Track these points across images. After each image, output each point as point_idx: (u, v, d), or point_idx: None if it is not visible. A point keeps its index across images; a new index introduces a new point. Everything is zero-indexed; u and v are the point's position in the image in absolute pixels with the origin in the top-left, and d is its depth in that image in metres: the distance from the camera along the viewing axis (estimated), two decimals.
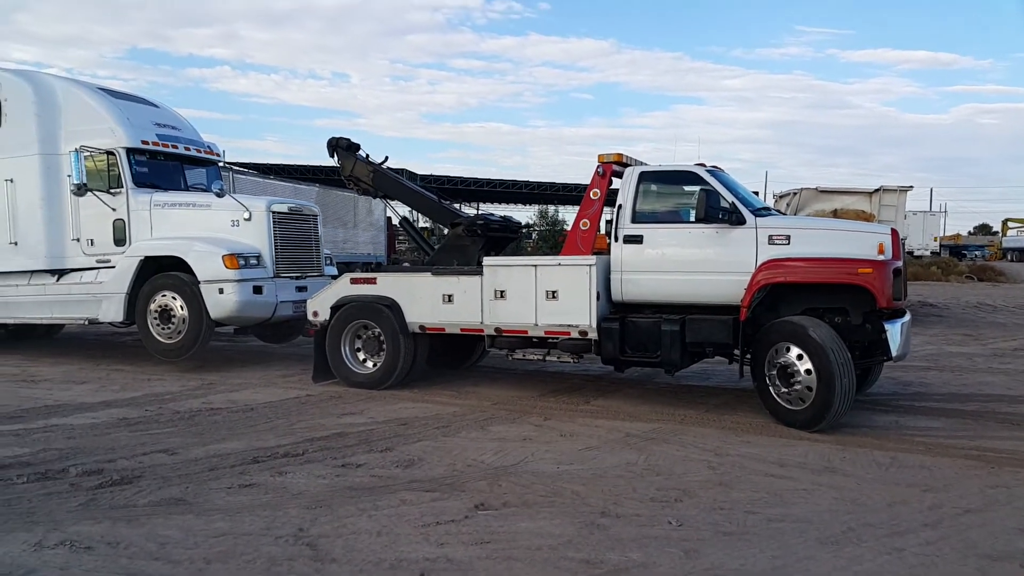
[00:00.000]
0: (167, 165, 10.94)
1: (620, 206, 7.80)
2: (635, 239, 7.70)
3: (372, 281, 8.82)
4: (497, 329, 8.16)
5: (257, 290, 9.70)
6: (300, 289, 10.39)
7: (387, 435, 6.81)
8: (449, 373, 9.86)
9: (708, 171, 7.66)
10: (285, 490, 5.28)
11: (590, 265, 7.66)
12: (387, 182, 9.81)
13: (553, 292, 7.81)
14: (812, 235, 7.23)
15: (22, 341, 13.07)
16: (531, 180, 59.53)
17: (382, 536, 4.45)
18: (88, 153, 9.97)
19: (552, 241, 63.16)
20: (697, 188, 7.42)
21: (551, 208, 68.65)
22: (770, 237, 7.21)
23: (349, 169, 9.83)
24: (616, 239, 7.78)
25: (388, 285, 8.73)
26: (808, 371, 6.76)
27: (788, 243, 7.14)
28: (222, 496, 5.13)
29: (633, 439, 6.76)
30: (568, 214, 74.79)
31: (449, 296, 8.35)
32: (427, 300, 8.48)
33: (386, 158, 9.88)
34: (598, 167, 8.01)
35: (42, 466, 5.75)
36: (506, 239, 9.48)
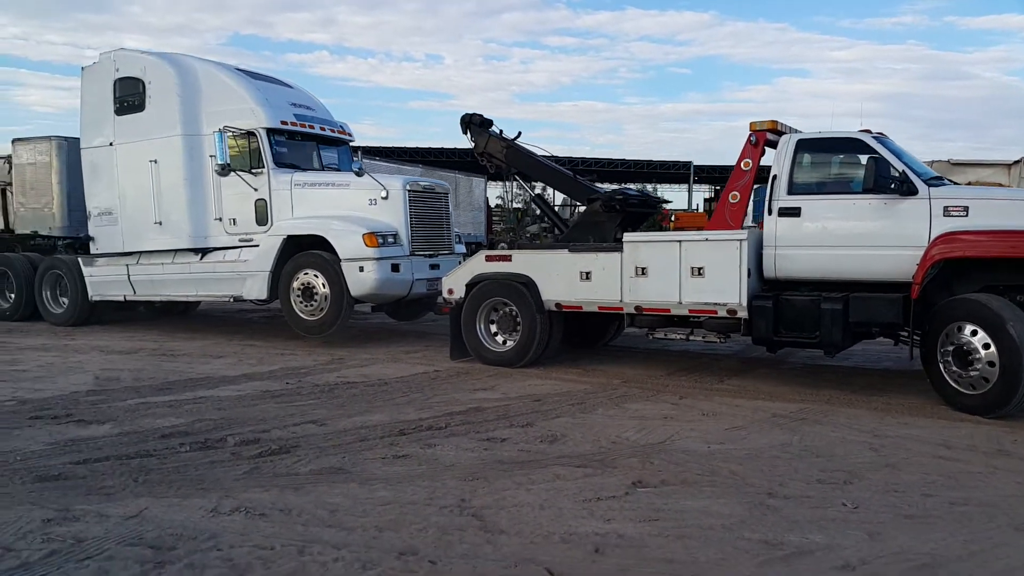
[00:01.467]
0: (303, 145, 11.19)
1: (775, 176, 7.44)
2: (791, 212, 7.32)
3: (507, 259, 8.78)
4: (637, 307, 7.96)
5: (395, 268, 9.84)
6: (433, 267, 10.49)
7: (524, 411, 6.75)
8: (574, 352, 9.74)
9: (875, 137, 7.19)
10: (437, 462, 5.28)
11: (740, 240, 7.35)
12: (521, 158, 9.71)
13: (699, 269, 7.54)
14: (993, 206, 6.69)
15: (159, 319, 13.78)
16: (627, 158, 58.52)
17: (546, 510, 4.37)
18: (231, 133, 10.28)
19: (651, 220, 62.36)
20: (863, 156, 6.97)
21: (648, 186, 67.71)
22: (945, 208, 6.69)
23: (482, 146, 9.79)
24: (770, 212, 7.41)
25: (524, 262, 8.66)
26: (991, 362, 6.26)
27: (966, 215, 6.61)
28: (379, 466, 5.18)
29: (781, 419, 6.47)
30: (666, 192, 73.51)
31: (587, 273, 8.21)
32: (564, 278, 8.36)
33: (519, 133, 9.81)
34: (750, 135, 7.66)
35: (201, 435, 5.96)
36: (644, 215, 9.25)
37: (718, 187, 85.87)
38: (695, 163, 68.88)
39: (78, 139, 12.19)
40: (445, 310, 9.99)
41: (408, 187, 10.20)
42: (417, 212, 10.32)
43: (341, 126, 11.82)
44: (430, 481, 4.86)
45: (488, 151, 9.82)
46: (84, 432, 6.07)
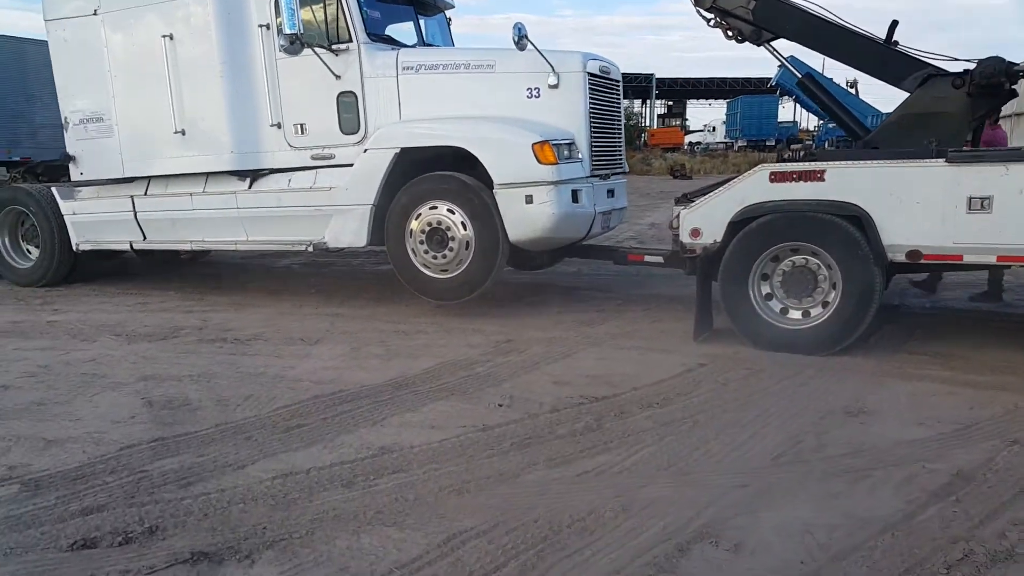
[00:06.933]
0: (398, 10, 7.39)
1: None
2: None
3: (817, 176, 5.32)
4: None
5: (575, 197, 6.31)
6: (609, 194, 7.02)
7: None
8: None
9: None
10: None
11: None
12: (781, 13, 6.11)
13: None
14: None
15: (156, 270, 9.91)
16: None
17: None
18: None
19: (627, 137, 58.54)
20: None
21: (624, 101, 63.75)
22: None
23: None
24: None
25: (850, 183, 5.24)
26: None
27: None
28: None
29: None
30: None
31: (983, 200, 4.87)
32: (933, 208, 5.01)
33: None
34: None
35: None
36: (1001, 103, 5.85)
37: (671, 102, 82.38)
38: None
39: None
40: (633, 258, 6.78)
41: (588, 68, 6.56)
42: (596, 109, 6.73)
43: None
44: None
45: (722, 5, 6.26)
46: None
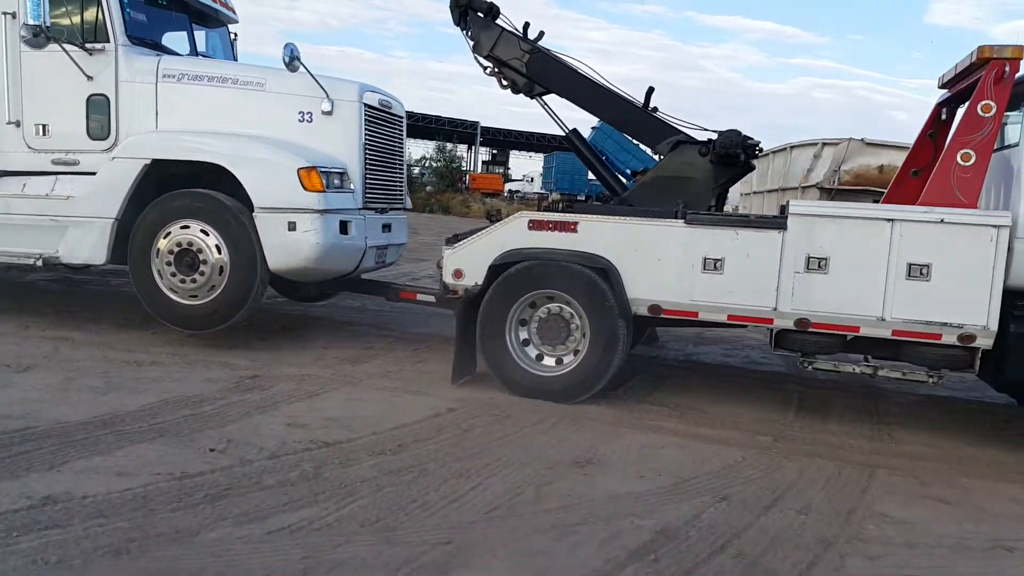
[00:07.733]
0: (170, 17, 6.88)
1: None
2: None
3: (570, 227, 5.38)
4: (801, 321, 5.04)
5: (343, 228, 6.02)
6: (386, 228, 6.80)
7: None
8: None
9: None
10: None
11: (997, 226, 4.72)
12: (554, 72, 6.18)
13: (921, 267, 4.81)
14: None
15: None
16: (413, 111, 55.82)
17: None
18: None
19: (449, 179, 59.12)
20: None
21: (448, 144, 64.47)
22: None
23: (488, 47, 6.19)
24: None
25: (600, 236, 5.34)
26: None
27: None
28: None
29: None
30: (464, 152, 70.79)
31: (716, 261, 5.12)
32: (672, 265, 5.21)
33: (541, 33, 6.28)
34: (1001, 67, 4.92)
35: None
36: (741, 174, 6.21)
37: (495, 151, 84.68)
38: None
39: None
40: (407, 296, 6.67)
41: (365, 99, 6.35)
42: (372, 141, 6.53)
43: None
44: None
45: (497, 55, 6.27)
46: None
